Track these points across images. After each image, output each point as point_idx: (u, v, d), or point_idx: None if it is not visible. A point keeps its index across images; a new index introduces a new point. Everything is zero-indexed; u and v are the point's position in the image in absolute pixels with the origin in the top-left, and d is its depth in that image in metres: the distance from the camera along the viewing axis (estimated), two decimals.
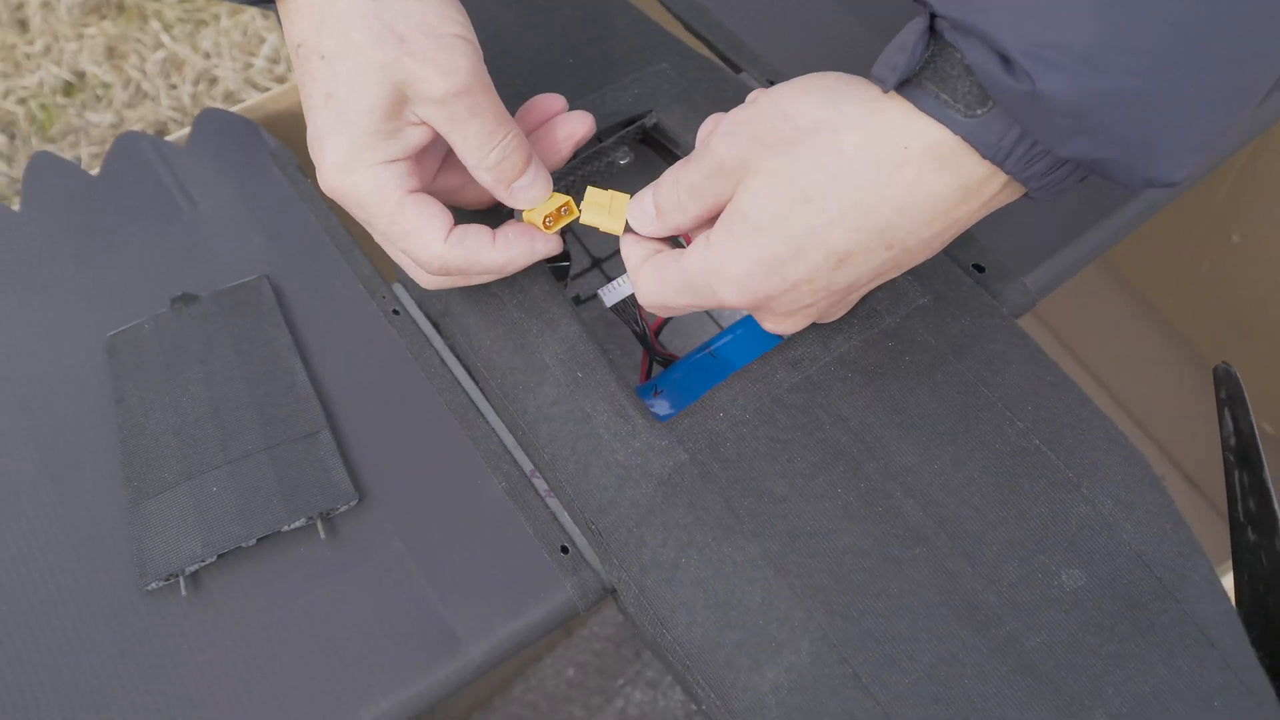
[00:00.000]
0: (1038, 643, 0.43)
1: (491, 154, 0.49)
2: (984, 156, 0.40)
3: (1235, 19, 0.36)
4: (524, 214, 0.51)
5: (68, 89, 1.31)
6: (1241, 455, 0.50)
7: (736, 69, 0.65)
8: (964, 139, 0.40)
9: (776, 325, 0.47)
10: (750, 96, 0.46)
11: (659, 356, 0.59)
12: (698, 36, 0.67)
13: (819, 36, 0.65)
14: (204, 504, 0.52)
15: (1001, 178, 0.41)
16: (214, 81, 1.31)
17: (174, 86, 1.30)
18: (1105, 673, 0.43)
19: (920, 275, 0.52)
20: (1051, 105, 0.37)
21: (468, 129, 0.48)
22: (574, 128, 0.54)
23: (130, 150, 0.67)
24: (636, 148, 0.62)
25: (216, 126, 0.68)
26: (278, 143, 0.67)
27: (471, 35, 0.48)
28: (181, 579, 0.50)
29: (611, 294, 0.56)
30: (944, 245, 0.44)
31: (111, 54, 1.33)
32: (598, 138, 0.59)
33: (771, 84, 0.62)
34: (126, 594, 0.50)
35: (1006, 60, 0.37)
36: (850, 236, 0.42)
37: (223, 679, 0.48)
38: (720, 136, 0.45)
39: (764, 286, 0.44)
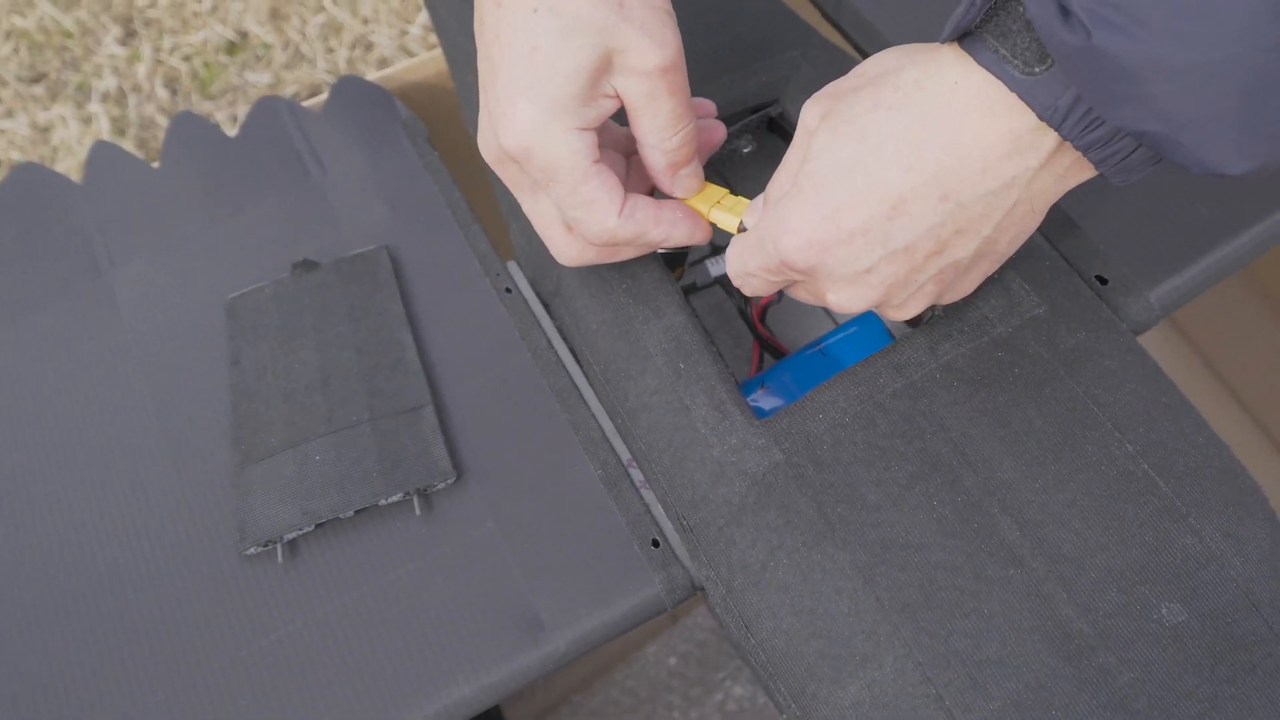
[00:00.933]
0: (1131, 678, 0.42)
1: (675, 137, 0.48)
2: (1040, 118, 0.39)
3: None
4: (689, 201, 0.50)
5: (230, 48, 1.35)
6: None
7: None
8: (1020, 96, 0.39)
9: (851, 295, 0.45)
10: None
11: (760, 336, 0.58)
12: (834, 25, 0.65)
13: None
14: (306, 472, 0.52)
15: (1053, 137, 0.40)
16: (370, 47, 1.33)
17: (331, 50, 1.33)
18: (1201, 715, 0.41)
19: (1039, 284, 0.50)
20: (1105, 64, 0.35)
21: (662, 106, 0.47)
22: (713, 134, 0.53)
23: (268, 114, 0.69)
24: (762, 136, 0.61)
25: (353, 94, 0.69)
26: (410, 113, 0.68)
27: (673, 10, 0.47)
28: (279, 546, 0.51)
29: (718, 266, 0.56)
30: (1012, 224, 0.43)
31: (274, 15, 1.37)
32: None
33: None
34: (226, 557, 0.52)
35: (1065, 11, 0.36)
36: (903, 178, 0.41)
37: (310, 649, 0.49)
38: (806, 105, 0.45)
39: (820, 234, 0.43)
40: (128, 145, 1.26)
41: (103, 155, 0.68)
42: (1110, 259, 0.53)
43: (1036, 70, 0.38)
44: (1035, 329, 0.49)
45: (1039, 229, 0.54)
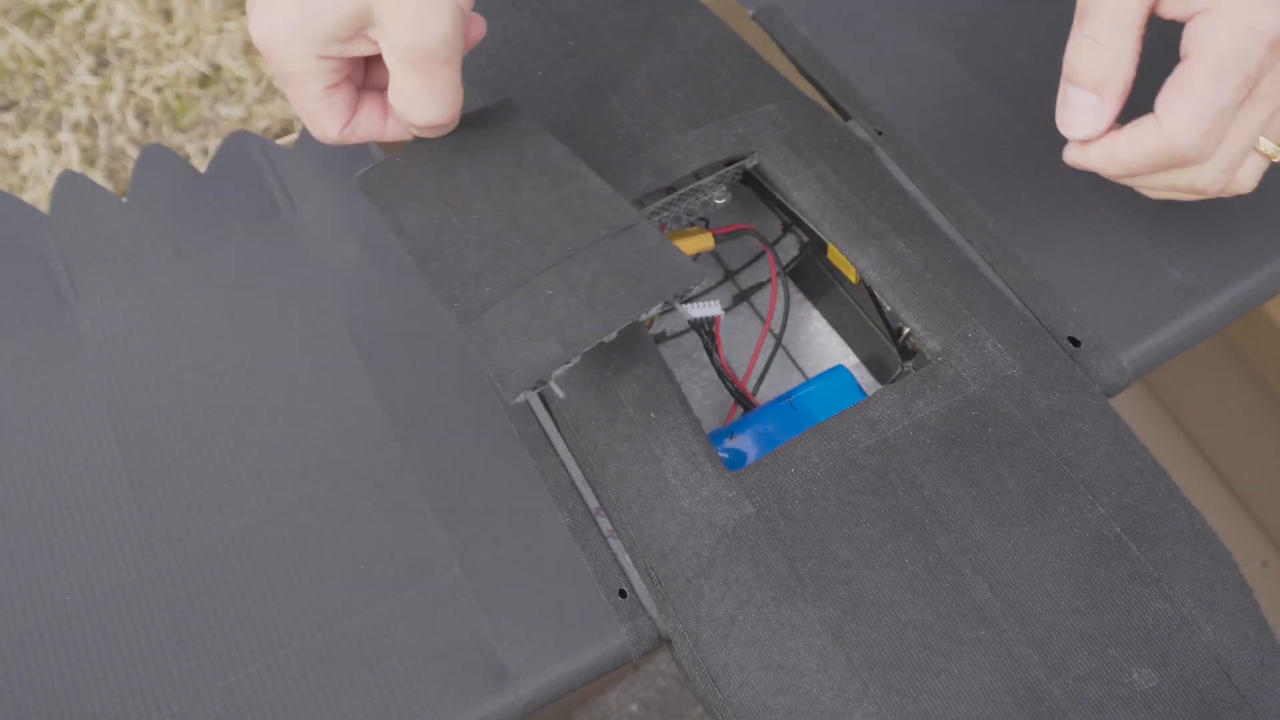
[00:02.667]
0: None
1: (418, 114, 0.50)
2: None
3: None
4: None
5: (203, 81, 1.35)
6: None
7: (845, 116, 0.63)
8: None
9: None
10: None
11: (731, 386, 0.58)
12: (809, 80, 0.65)
13: (932, 88, 0.63)
14: (545, 308, 0.49)
15: None
16: None
17: None
18: None
19: (1012, 344, 0.50)
20: None
21: (406, 82, 0.49)
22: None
23: (239, 149, 0.68)
24: (735, 188, 0.61)
25: None
26: (382, 152, 0.68)
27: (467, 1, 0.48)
28: (554, 384, 0.47)
29: (695, 309, 0.55)
30: None
31: (248, 49, 1.37)
32: (696, 175, 0.58)
33: (880, 134, 0.61)
34: (185, 591, 0.51)
35: None
36: None
37: (270, 694, 0.48)
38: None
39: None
40: (97, 175, 1.25)
41: (70, 186, 0.67)
42: (1084, 321, 0.53)
43: None
44: (1008, 389, 0.49)
45: (1013, 289, 0.55)
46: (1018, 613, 0.43)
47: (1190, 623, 0.43)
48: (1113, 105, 0.45)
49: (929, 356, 0.51)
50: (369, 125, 0.53)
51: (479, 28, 0.53)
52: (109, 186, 1.25)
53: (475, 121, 0.56)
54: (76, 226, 0.66)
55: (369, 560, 0.51)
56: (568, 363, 0.46)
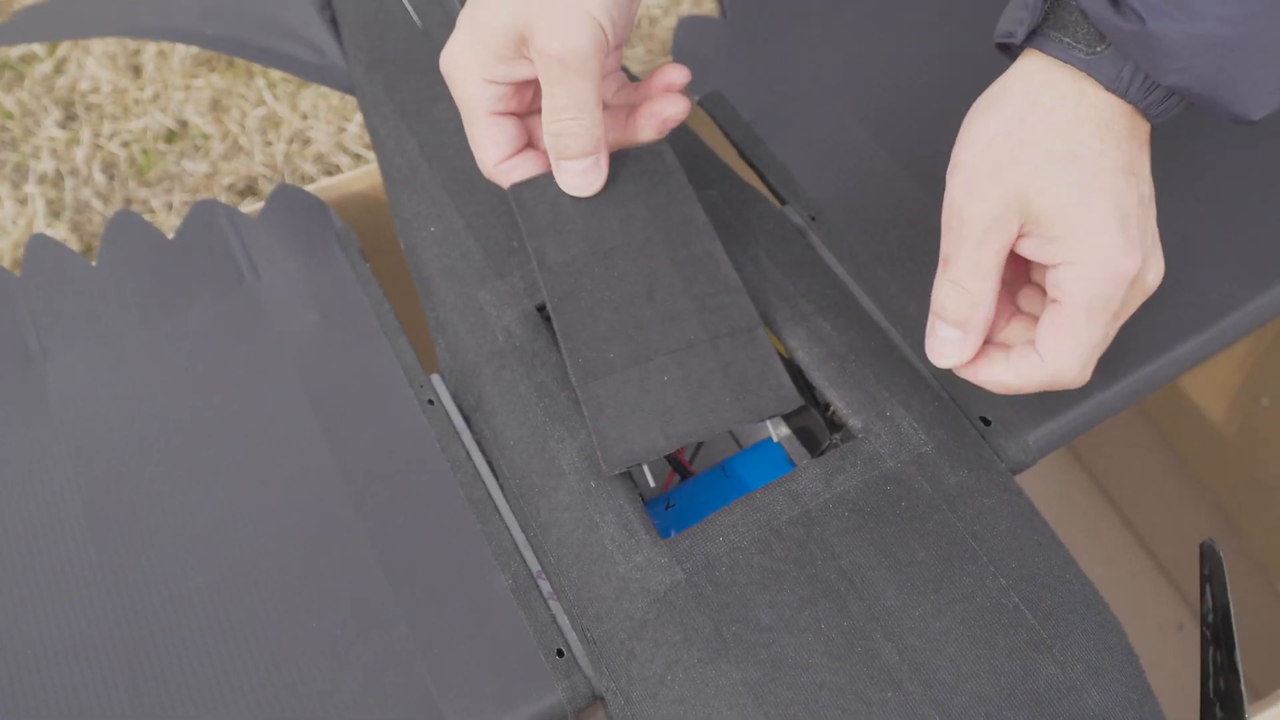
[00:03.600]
0: None
1: (556, 124, 0.55)
2: (1107, 89, 0.47)
3: None
4: None
5: (170, 136, 1.37)
6: (1216, 633, 0.51)
7: (782, 200, 0.67)
8: (1087, 72, 0.47)
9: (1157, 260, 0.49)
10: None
11: (671, 456, 0.61)
12: (750, 165, 0.69)
13: (863, 177, 0.67)
14: (656, 392, 0.52)
15: (1124, 104, 0.47)
16: (307, 142, 1.36)
17: (269, 143, 1.36)
18: None
19: (927, 423, 0.54)
20: (1157, 44, 0.44)
21: (552, 91, 0.54)
22: (665, 107, 0.59)
23: (206, 217, 0.72)
24: None
25: (289, 203, 0.72)
26: (344, 224, 0.71)
27: (606, 18, 0.52)
28: (647, 470, 0.52)
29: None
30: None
31: (215, 106, 1.39)
32: None
33: (813, 219, 0.65)
34: (147, 654, 0.53)
35: (1115, 2, 0.44)
36: (1108, 156, 0.47)
37: None
38: (959, 194, 0.49)
39: (1135, 229, 0.47)
40: (62, 227, 1.28)
41: (41, 248, 0.70)
42: (994, 401, 0.57)
43: (1098, 49, 0.46)
44: (921, 465, 0.53)
45: (930, 371, 0.59)
46: (922, 676, 0.47)
47: (1078, 687, 0.47)
48: (975, 339, 0.50)
49: (852, 432, 0.55)
50: (525, 168, 0.58)
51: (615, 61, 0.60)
52: (74, 239, 1.27)
53: (630, 163, 0.60)
54: (47, 288, 0.68)
55: (321, 616, 0.54)
56: (664, 453, 0.51)
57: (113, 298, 0.68)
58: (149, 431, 0.61)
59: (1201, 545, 0.53)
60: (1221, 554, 0.52)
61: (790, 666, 0.47)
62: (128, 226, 0.71)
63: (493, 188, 0.65)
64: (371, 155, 1.34)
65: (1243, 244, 0.63)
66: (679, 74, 0.58)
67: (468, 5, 0.55)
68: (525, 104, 0.58)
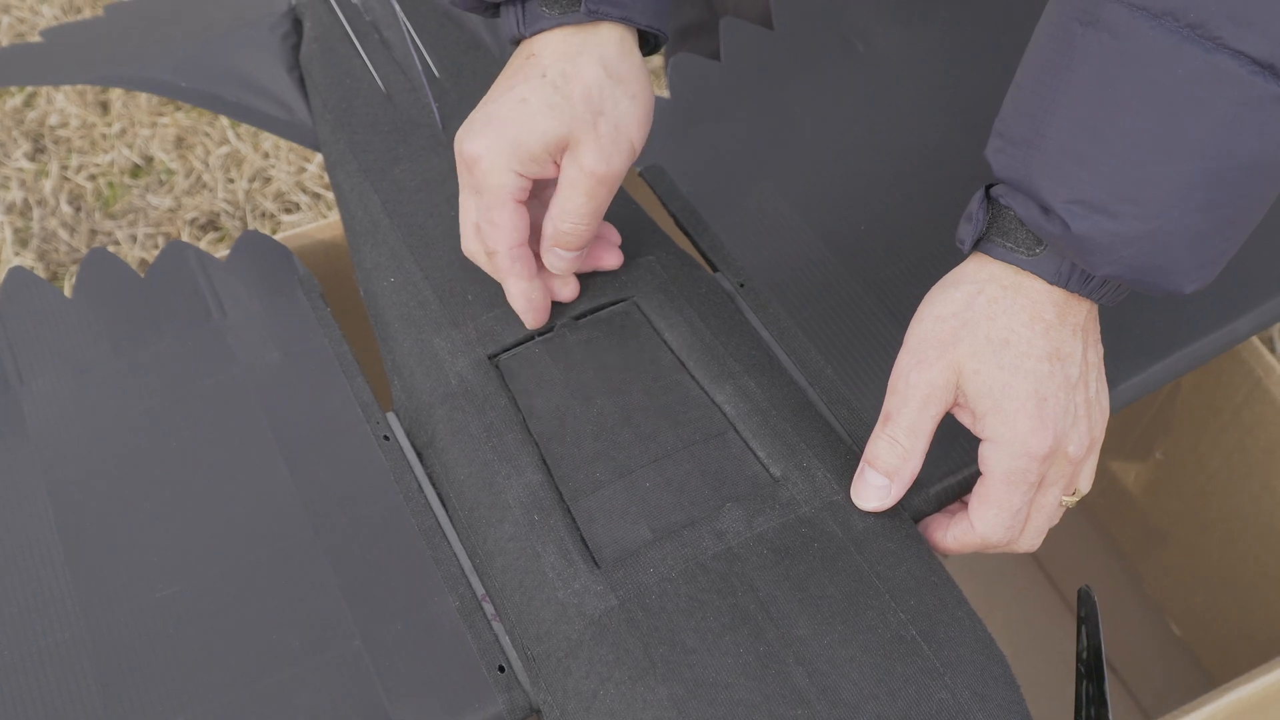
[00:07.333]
0: None
1: (567, 222, 0.61)
2: (1049, 283, 0.53)
3: (1221, 175, 0.47)
4: None
5: (135, 171, 1.42)
6: (1089, 668, 0.57)
7: (714, 268, 0.73)
8: (1030, 271, 0.53)
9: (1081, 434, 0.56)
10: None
11: None
12: (686, 234, 0.75)
13: (788, 249, 0.73)
14: (640, 497, 0.59)
15: (1061, 293, 0.53)
16: (268, 180, 1.41)
17: (231, 180, 1.40)
18: None
19: (839, 474, 0.59)
20: (1085, 244, 0.49)
21: (574, 195, 0.60)
22: (598, 254, 0.66)
23: (176, 257, 0.76)
24: None
25: (255, 248, 0.77)
26: (307, 270, 0.75)
27: (639, 147, 0.61)
28: (633, 560, 0.57)
29: None
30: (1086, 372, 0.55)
31: (180, 143, 1.44)
32: (576, 317, 0.67)
33: (742, 286, 0.71)
34: (124, 678, 0.57)
35: (1046, 210, 0.50)
36: (1037, 344, 0.54)
37: None
38: (908, 361, 0.56)
39: (1052, 410, 0.54)
40: (29, 256, 1.31)
41: (18, 282, 0.74)
42: None
43: (1036, 251, 0.53)
44: (833, 511, 0.58)
45: (844, 427, 0.64)
46: (829, 697, 0.52)
47: (965, 711, 0.52)
48: (899, 489, 0.57)
49: (773, 479, 0.60)
50: (526, 263, 0.63)
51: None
52: (40, 268, 1.30)
53: (602, 324, 0.67)
54: (24, 319, 0.72)
55: (280, 630, 0.58)
56: (652, 547, 0.57)
57: (86, 329, 0.72)
58: (120, 454, 0.65)
59: (1079, 590, 0.59)
60: (1095, 598, 0.58)
61: (711, 685, 0.52)
62: (101, 263, 0.75)
63: (448, 244, 0.70)
64: (330, 195, 1.39)
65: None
66: (615, 237, 0.68)
67: (503, 99, 0.59)
68: (529, 194, 0.63)
